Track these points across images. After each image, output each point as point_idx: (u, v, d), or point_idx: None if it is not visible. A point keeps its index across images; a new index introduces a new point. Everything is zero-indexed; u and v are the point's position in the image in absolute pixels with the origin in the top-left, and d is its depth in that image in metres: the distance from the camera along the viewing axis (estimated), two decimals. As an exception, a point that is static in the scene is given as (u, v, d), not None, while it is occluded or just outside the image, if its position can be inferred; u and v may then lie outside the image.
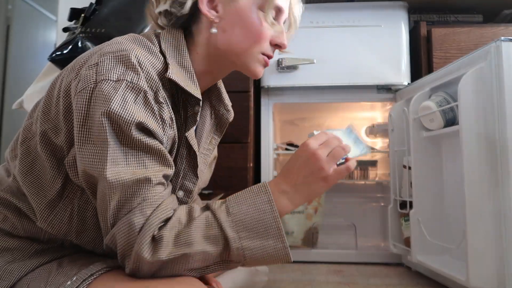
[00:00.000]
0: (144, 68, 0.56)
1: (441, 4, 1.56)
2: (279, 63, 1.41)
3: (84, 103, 0.53)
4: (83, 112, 0.53)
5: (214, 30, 0.65)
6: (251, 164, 1.39)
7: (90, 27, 1.13)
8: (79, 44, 1.09)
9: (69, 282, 0.52)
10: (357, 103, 1.63)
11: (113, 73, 0.54)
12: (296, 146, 1.57)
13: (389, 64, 1.40)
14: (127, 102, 0.53)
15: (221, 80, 0.78)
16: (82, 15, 1.15)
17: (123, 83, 0.53)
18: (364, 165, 1.56)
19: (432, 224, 1.11)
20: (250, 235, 0.55)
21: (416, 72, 1.42)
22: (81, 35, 1.10)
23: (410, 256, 1.14)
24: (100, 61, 0.55)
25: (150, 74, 0.57)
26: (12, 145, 0.66)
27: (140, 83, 0.55)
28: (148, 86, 0.56)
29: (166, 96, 0.59)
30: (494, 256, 0.87)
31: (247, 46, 0.66)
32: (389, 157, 1.36)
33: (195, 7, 0.65)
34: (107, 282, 0.53)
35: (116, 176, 0.51)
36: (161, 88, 0.58)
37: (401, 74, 1.40)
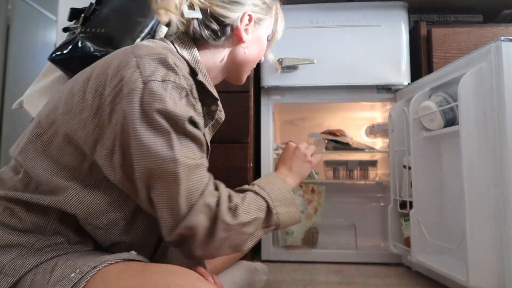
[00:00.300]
0: (180, 69, 0.64)
1: (441, 4, 1.56)
2: (279, 63, 1.41)
3: (136, 103, 0.58)
4: (136, 111, 0.58)
5: (245, 50, 0.81)
6: (251, 164, 1.39)
7: (90, 27, 1.13)
8: (79, 44, 1.09)
9: (72, 274, 0.53)
10: (357, 103, 1.63)
11: (158, 74, 0.60)
12: None
13: (389, 64, 1.40)
14: (175, 99, 0.60)
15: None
16: (82, 15, 1.15)
17: (169, 83, 0.60)
18: (364, 165, 1.56)
19: (432, 224, 1.11)
20: (280, 204, 0.74)
21: (416, 72, 1.43)
22: (81, 35, 1.10)
23: (410, 256, 1.14)
24: (141, 64, 0.61)
25: (185, 75, 0.66)
26: (24, 143, 0.66)
27: (182, 83, 0.62)
28: (187, 85, 0.64)
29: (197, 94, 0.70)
30: (494, 256, 0.87)
31: (254, 62, 0.86)
32: (389, 157, 1.36)
33: (231, 28, 0.77)
34: (110, 274, 0.54)
35: (183, 159, 0.59)
36: (194, 87, 0.68)
37: (401, 74, 1.40)
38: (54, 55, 1.10)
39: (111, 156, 0.60)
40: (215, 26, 0.75)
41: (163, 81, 0.60)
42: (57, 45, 1.16)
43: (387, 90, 1.44)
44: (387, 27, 1.41)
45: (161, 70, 0.61)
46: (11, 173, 0.66)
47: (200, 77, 0.73)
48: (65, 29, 1.21)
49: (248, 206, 0.68)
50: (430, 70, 1.38)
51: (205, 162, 0.64)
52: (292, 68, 1.41)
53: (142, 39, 1.12)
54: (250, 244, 0.70)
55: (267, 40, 0.86)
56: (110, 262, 0.56)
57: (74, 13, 1.20)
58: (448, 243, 1.07)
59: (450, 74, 1.06)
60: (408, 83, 1.38)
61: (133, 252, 0.64)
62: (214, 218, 0.62)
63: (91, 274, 0.54)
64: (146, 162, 0.58)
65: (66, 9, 1.22)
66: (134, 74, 0.59)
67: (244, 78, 0.87)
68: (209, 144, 0.80)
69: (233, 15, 0.76)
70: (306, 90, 1.45)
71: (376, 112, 1.74)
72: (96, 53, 1.09)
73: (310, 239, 1.44)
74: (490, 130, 0.90)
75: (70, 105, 0.64)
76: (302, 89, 1.44)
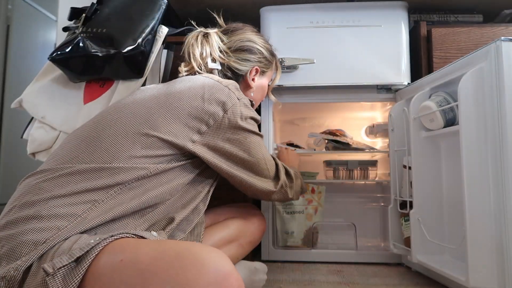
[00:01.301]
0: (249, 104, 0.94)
1: (441, 4, 1.56)
2: (279, 63, 1.40)
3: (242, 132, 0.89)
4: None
5: (252, 93, 1.09)
6: (251, 164, 1.39)
7: (91, 27, 1.13)
8: (80, 44, 1.09)
9: (92, 240, 0.60)
10: (357, 103, 1.63)
11: (246, 112, 0.89)
12: (297, 146, 1.57)
13: (389, 64, 1.40)
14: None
15: None
16: (83, 15, 1.15)
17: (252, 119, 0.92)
18: (364, 165, 1.56)
19: (432, 224, 1.11)
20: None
21: (416, 72, 1.42)
22: (82, 34, 1.10)
23: (410, 256, 1.14)
24: (237, 105, 0.87)
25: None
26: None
27: (257, 117, 0.94)
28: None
29: None
30: (494, 256, 0.87)
31: (259, 102, 1.16)
32: (389, 157, 1.36)
33: (242, 77, 1.06)
34: (127, 241, 0.61)
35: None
36: None
37: (401, 74, 1.40)
38: (54, 54, 1.10)
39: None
40: (230, 75, 1.03)
41: (250, 117, 0.91)
42: (57, 45, 1.16)
43: (387, 90, 1.44)
44: (387, 27, 1.41)
45: (247, 109, 0.90)
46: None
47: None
48: (65, 29, 1.21)
49: (296, 181, 1.10)
50: (430, 70, 1.38)
51: None
52: (292, 68, 1.41)
53: (143, 40, 1.12)
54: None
55: (268, 85, 1.16)
56: (128, 235, 0.63)
57: (74, 13, 1.20)
58: (448, 243, 1.07)
59: (450, 74, 1.06)
60: (408, 83, 1.38)
61: (154, 232, 0.73)
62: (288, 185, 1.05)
63: (109, 240, 0.60)
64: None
65: (66, 9, 1.22)
66: (236, 109, 0.87)
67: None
68: None
69: (244, 68, 1.04)
70: (306, 90, 1.45)
71: (376, 112, 1.74)
72: (97, 53, 1.09)
73: (310, 239, 1.44)
74: (490, 130, 0.90)
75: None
76: (302, 89, 1.44)
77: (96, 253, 0.58)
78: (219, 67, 1.00)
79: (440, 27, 1.40)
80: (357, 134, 1.71)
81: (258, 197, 1.00)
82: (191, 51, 1.00)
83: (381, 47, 1.40)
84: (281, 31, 1.44)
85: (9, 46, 2.66)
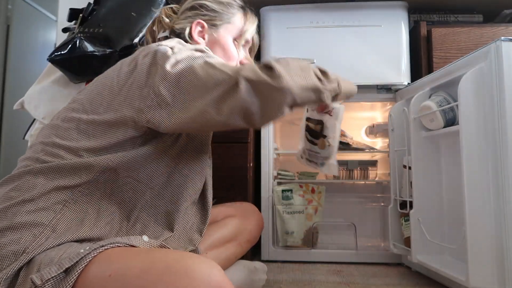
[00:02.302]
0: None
1: (441, 4, 1.56)
2: (279, 63, 1.40)
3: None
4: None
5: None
6: (251, 164, 1.39)
7: (88, 27, 1.12)
8: (77, 44, 1.09)
9: (81, 250, 0.58)
10: (357, 103, 1.63)
11: (179, 46, 0.77)
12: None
13: (389, 64, 1.40)
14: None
15: None
16: (81, 15, 1.15)
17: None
18: (364, 165, 1.56)
19: (432, 224, 1.11)
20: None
21: (416, 72, 1.42)
22: (79, 35, 1.10)
23: (410, 256, 1.14)
24: (167, 49, 0.75)
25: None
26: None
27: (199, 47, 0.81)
28: None
29: None
30: (494, 256, 0.87)
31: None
32: (389, 157, 1.36)
33: (189, 35, 0.93)
34: (116, 252, 0.60)
35: None
36: None
37: (401, 74, 1.40)
38: (53, 55, 1.10)
39: None
40: (174, 35, 0.94)
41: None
42: (57, 45, 1.16)
43: (387, 90, 1.44)
44: (387, 27, 1.41)
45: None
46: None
47: None
48: (65, 30, 1.21)
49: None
50: (430, 70, 1.38)
51: None
52: (292, 68, 1.41)
53: (140, 39, 1.12)
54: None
55: (237, 42, 0.98)
56: (118, 244, 0.61)
57: (73, 14, 1.20)
58: (448, 243, 1.07)
59: (450, 74, 1.06)
60: (408, 83, 1.38)
61: (145, 237, 0.68)
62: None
63: (98, 251, 0.58)
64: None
65: (66, 9, 1.22)
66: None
67: None
68: None
69: (185, 25, 0.94)
70: (306, 90, 1.45)
71: (376, 112, 1.74)
72: (95, 53, 1.09)
73: (310, 239, 1.44)
74: (490, 130, 0.90)
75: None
76: (302, 89, 1.44)
77: (85, 263, 0.56)
78: (167, 33, 0.95)
79: (440, 27, 1.40)
80: (357, 134, 1.71)
81: (237, 118, 0.67)
82: (146, 33, 1.00)
83: (381, 47, 1.40)
84: (281, 31, 1.44)
85: (9, 46, 2.66)
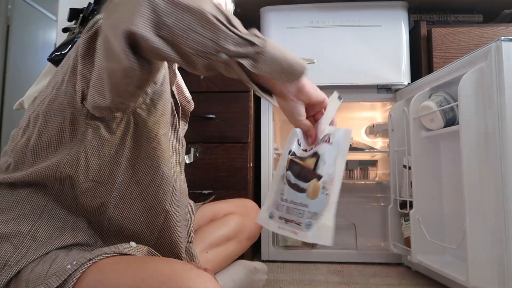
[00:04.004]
0: None
1: (441, 4, 1.56)
2: (279, 63, 1.40)
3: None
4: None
5: None
6: (251, 164, 1.39)
7: (89, 27, 1.12)
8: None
9: (69, 266, 0.55)
10: (357, 103, 1.63)
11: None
12: None
13: (389, 64, 1.40)
14: None
15: (181, 77, 0.90)
16: (81, 15, 1.15)
17: None
18: (364, 165, 1.56)
19: (432, 224, 1.11)
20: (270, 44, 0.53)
21: (416, 72, 1.42)
22: (79, 35, 1.10)
23: (410, 256, 1.14)
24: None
25: None
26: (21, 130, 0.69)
27: None
28: None
29: None
30: (494, 256, 0.87)
31: None
32: (389, 157, 1.36)
33: None
34: (105, 265, 0.56)
35: None
36: None
37: (401, 74, 1.40)
38: (53, 55, 1.10)
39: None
40: None
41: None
42: (57, 45, 1.16)
43: (387, 90, 1.44)
44: (387, 27, 1.41)
45: None
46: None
47: None
48: (65, 30, 1.21)
49: None
50: (430, 70, 1.38)
51: None
52: (292, 68, 1.41)
53: None
54: None
55: None
56: (106, 255, 0.58)
57: (74, 14, 1.20)
58: (448, 243, 1.06)
59: (450, 74, 1.06)
60: (408, 83, 1.38)
61: (132, 243, 0.64)
62: None
63: (86, 266, 0.55)
64: None
65: (66, 9, 1.22)
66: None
67: None
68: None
69: None
70: (306, 90, 1.45)
71: (376, 112, 1.74)
72: (96, 53, 1.09)
73: (310, 239, 1.44)
74: (490, 130, 0.90)
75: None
76: (302, 89, 1.44)
77: (74, 281, 0.54)
78: None
79: (440, 27, 1.40)
80: (357, 134, 1.71)
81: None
82: None
83: (381, 47, 1.40)
84: (281, 31, 1.44)
85: (9, 46, 2.66)
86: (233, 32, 0.49)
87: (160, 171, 0.69)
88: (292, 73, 0.57)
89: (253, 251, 1.42)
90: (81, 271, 0.54)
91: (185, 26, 0.47)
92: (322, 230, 0.56)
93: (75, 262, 0.55)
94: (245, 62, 0.50)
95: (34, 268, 0.58)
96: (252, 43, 0.50)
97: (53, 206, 0.65)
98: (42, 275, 0.56)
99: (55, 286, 0.53)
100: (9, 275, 0.57)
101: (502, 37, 0.89)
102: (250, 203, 1.12)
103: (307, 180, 0.60)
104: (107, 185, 0.67)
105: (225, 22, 0.49)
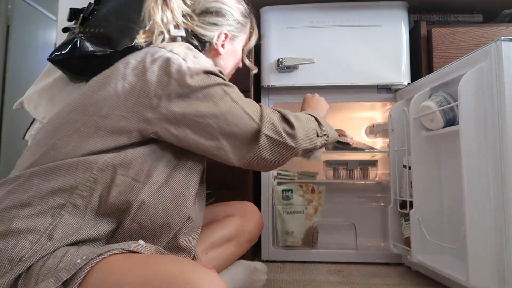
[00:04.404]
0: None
1: (441, 4, 1.56)
2: (279, 63, 1.41)
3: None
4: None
5: (222, 61, 0.95)
6: (251, 164, 1.39)
7: (89, 27, 1.12)
8: (78, 44, 1.09)
9: (78, 260, 0.57)
10: (357, 103, 1.63)
11: (195, 67, 0.76)
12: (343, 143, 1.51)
13: (389, 64, 1.40)
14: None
15: None
16: (81, 15, 1.15)
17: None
18: (364, 165, 1.56)
19: (432, 224, 1.11)
20: (325, 122, 0.94)
21: (416, 72, 1.42)
22: (79, 35, 1.10)
23: (410, 256, 1.14)
24: (182, 64, 0.76)
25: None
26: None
27: (212, 69, 0.79)
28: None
29: None
30: (494, 256, 0.87)
31: (232, 70, 1.02)
32: (389, 157, 1.36)
33: (209, 43, 0.92)
34: (114, 261, 0.58)
35: None
36: None
37: (401, 74, 1.40)
38: (53, 55, 1.10)
39: None
40: (196, 42, 0.90)
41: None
42: (57, 45, 1.16)
43: (387, 90, 1.44)
44: (387, 27, 1.41)
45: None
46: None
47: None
48: (65, 29, 1.21)
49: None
50: (430, 70, 1.38)
51: None
52: (292, 68, 1.41)
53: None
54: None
55: (242, 49, 1.02)
56: (115, 251, 0.59)
57: (74, 13, 1.20)
58: (448, 243, 1.07)
59: (450, 74, 1.06)
60: (408, 83, 1.38)
61: (141, 241, 0.67)
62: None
63: (96, 261, 0.57)
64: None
65: (66, 9, 1.22)
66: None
67: None
68: None
69: (211, 34, 0.91)
70: (306, 90, 1.44)
71: (376, 112, 1.74)
72: (95, 53, 1.09)
73: (310, 239, 1.44)
74: (490, 130, 0.90)
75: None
76: (302, 89, 1.44)
77: (83, 275, 0.55)
78: (183, 34, 0.88)
79: (440, 27, 1.40)
80: (357, 134, 1.71)
81: (248, 165, 0.79)
82: (151, 15, 0.87)
83: (381, 47, 1.40)
84: (281, 31, 1.44)
85: (9, 46, 2.66)
86: (320, 143, 0.87)
87: (194, 182, 0.77)
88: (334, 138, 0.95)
89: (253, 251, 1.42)
90: (90, 266, 0.56)
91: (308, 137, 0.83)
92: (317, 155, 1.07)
93: (85, 257, 0.57)
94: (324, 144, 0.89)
95: (45, 263, 0.59)
96: (326, 140, 0.89)
97: (75, 202, 0.66)
98: (52, 269, 0.57)
99: (65, 279, 0.54)
100: (21, 269, 0.58)
101: (502, 37, 0.89)
102: (250, 206, 1.13)
103: None
104: (141, 183, 0.70)
105: (318, 142, 0.86)
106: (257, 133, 0.75)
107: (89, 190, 0.67)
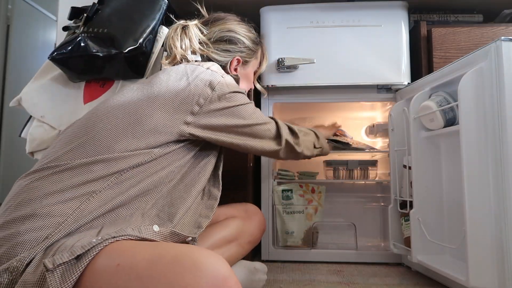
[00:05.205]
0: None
1: (441, 4, 1.56)
2: (279, 63, 1.41)
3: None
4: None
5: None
6: (251, 164, 1.39)
7: (93, 27, 1.12)
8: (82, 44, 1.09)
9: (94, 240, 0.61)
10: (357, 103, 1.63)
11: (232, 86, 0.91)
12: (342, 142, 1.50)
13: (389, 64, 1.40)
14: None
15: None
16: (85, 14, 1.15)
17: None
18: (364, 165, 1.56)
19: (432, 224, 1.11)
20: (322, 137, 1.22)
21: (416, 72, 1.42)
22: (83, 34, 1.10)
23: (410, 256, 1.14)
24: (222, 81, 0.89)
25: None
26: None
27: (242, 91, 0.95)
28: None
29: None
30: (494, 256, 0.87)
31: (245, 92, 1.04)
32: (389, 157, 1.36)
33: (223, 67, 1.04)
34: (126, 244, 0.63)
35: None
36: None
37: (401, 74, 1.40)
38: (55, 54, 1.10)
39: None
40: (216, 62, 1.03)
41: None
42: (57, 44, 1.16)
43: (387, 90, 1.44)
44: (387, 27, 1.41)
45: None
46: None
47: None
48: (65, 28, 1.21)
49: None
50: (430, 70, 1.38)
51: None
52: (292, 68, 1.41)
53: (144, 40, 1.12)
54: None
55: (255, 74, 1.18)
56: (129, 236, 0.65)
57: (75, 12, 1.20)
58: (448, 243, 1.07)
59: (450, 74, 1.06)
60: (408, 83, 1.38)
61: (155, 227, 0.73)
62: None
63: (109, 241, 0.61)
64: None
65: (66, 8, 1.22)
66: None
67: None
68: None
69: (224, 59, 1.04)
70: (306, 90, 1.45)
71: (376, 112, 1.74)
72: (98, 53, 1.09)
73: (310, 239, 1.44)
74: (490, 130, 0.90)
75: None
76: (302, 89, 1.44)
77: (96, 252, 0.59)
78: (199, 59, 1.01)
79: (440, 27, 1.40)
80: (357, 134, 1.71)
81: (267, 156, 1.10)
82: (172, 44, 1.01)
83: (381, 47, 1.40)
84: (281, 31, 1.44)
85: (9, 46, 2.66)
86: (316, 153, 1.17)
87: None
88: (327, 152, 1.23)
89: (253, 251, 1.41)
90: (104, 245, 0.60)
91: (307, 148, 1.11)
92: None
93: (100, 237, 0.62)
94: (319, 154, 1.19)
95: (65, 243, 0.64)
96: (322, 149, 1.19)
97: (103, 190, 0.72)
98: (69, 246, 0.62)
99: (78, 254, 0.58)
100: (46, 245, 0.64)
101: (502, 37, 0.89)
102: (251, 207, 1.13)
103: None
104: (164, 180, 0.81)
105: (315, 152, 1.16)
106: (280, 140, 1.00)
107: (120, 181, 0.75)
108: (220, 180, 0.97)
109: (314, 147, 1.13)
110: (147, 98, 0.83)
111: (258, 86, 1.30)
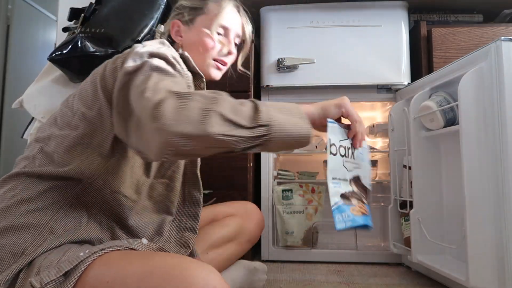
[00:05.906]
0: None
1: (441, 4, 1.56)
2: (279, 63, 1.41)
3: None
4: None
5: (180, 50, 0.87)
6: (251, 164, 1.39)
7: (90, 27, 1.12)
8: (79, 44, 1.09)
9: (81, 254, 0.58)
10: (357, 103, 1.63)
11: (142, 50, 0.72)
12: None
13: (389, 64, 1.40)
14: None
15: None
16: (82, 15, 1.15)
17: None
18: (364, 165, 1.56)
19: (432, 224, 1.11)
20: (275, 109, 0.61)
21: (416, 72, 1.42)
22: (80, 35, 1.10)
23: (410, 256, 1.14)
24: (134, 48, 0.75)
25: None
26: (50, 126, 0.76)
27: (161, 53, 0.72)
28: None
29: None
30: (494, 256, 0.87)
31: (202, 56, 0.89)
32: (389, 157, 1.36)
33: (169, 37, 0.93)
34: (115, 255, 0.60)
35: None
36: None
37: (401, 74, 1.40)
38: (53, 55, 1.10)
39: None
40: (168, 44, 0.86)
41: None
42: (57, 45, 1.16)
43: (387, 90, 1.44)
44: (387, 27, 1.41)
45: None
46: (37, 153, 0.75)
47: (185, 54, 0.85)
48: (65, 29, 1.21)
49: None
50: (430, 70, 1.38)
51: None
52: (292, 68, 1.41)
53: (142, 39, 1.12)
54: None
55: (210, 30, 0.89)
56: (118, 248, 0.62)
57: (74, 13, 1.20)
58: (448, 243, 1.07)
59: (450, 74, 1.06)
60: (408, 83, 1.38)
61: (144, 240, 0.70)
62: None
63: (98, 254, 0.58)
64: None
65: (66, 9, 1.22)
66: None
67: (208, 71, 0.90)
68: None
69: (165, 29, 0.95)
70: (306, 90, 1.45)
71: (376, 112, 1.74)
72: (96, 53, 1.09)
73: (310, 239, 1.44)
74: (490, 130, 0.90)
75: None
76: (302, 89, 1.44)
77: (84, 267, 0.56)
78: (165, 33, 0.95)
79: (440, 27, 1.40)
80: (357, 134, 1.71)
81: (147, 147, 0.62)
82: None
83: (381, 47, 1.40)
84: (281, 31, 1.44)
85: (9, 46, 2.66)
86: (240, 136, 0.57)
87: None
88: (300, 143, 0.63)
89: (253, 251, 1.41)
90: (93, 259, 0.58)
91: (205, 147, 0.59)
92: None
93: (87, 251, 0.59)
94: (257, 149, 0.61)
95: (48, 256, 0.61)
96: (258, 137, 0.58)
97: (72, 202, 0.69)
98: (54, 261, 0.59)
99: (66, 269, 0.56)
100: (25, 262, 0.60)
101: (502, 37, 0.89)
102: (250, 206, 1.13)
103: None
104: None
105: (232, 133, 0.56)
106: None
107: (84, 191, 0.71)
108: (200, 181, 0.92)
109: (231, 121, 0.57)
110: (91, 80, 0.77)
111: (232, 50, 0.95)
